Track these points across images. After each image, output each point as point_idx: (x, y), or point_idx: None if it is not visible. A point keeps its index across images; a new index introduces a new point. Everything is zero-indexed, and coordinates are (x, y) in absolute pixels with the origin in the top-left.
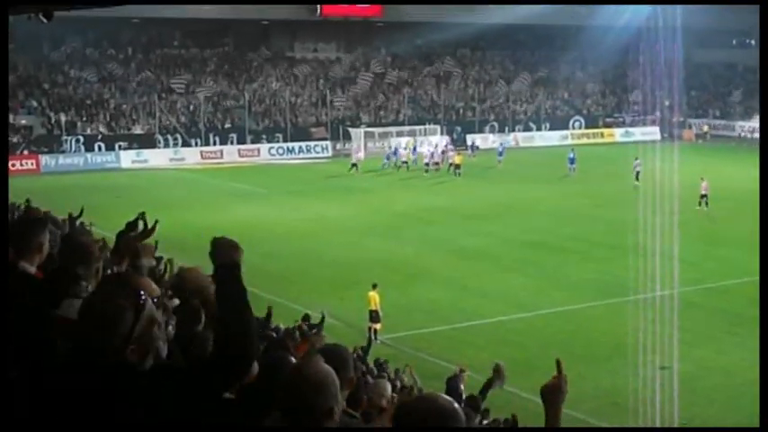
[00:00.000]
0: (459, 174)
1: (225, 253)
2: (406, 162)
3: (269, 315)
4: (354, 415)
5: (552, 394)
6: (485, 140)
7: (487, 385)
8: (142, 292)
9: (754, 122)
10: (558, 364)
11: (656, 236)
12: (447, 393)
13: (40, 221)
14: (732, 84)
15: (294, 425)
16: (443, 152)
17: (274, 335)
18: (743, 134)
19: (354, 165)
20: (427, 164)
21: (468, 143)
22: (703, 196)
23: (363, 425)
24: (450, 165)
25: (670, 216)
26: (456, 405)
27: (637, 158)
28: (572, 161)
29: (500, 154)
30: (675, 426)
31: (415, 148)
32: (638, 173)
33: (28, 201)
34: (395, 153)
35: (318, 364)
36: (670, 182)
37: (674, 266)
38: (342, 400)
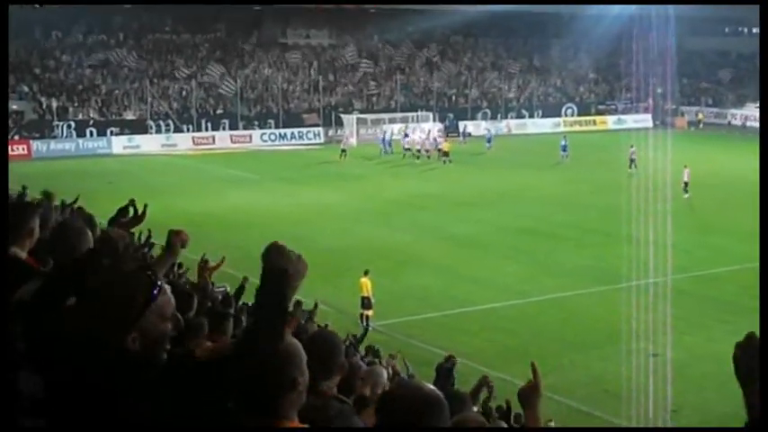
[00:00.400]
0: (450, 161)
1: (274, 259)
2: (409, 149)
3: (315, 306)
4: (345, 400)
5: (529, 396)
6: (477, 127)
7: (474, 392)
8: (160, 283)
9: (747, 110)
10: (534, 367)
11: (649, 223)
12: (438, 381)
13: (30, 206)
14: (724, 71)
15: (255, 394)
16: (435, 139)
17: None
18: (735, 122)
19: (343, 151)
20: (419, 150)
21: (461, 130)
22: (686, 184)
23: (355, 411)
24: (439, 151)
25: (663, 203)
26: (440, 393)
27: (632, 146)
28: (564, 148)
29: (489, 141)
30: (669, 413)
31: (406, 135)
32: (632, 160)
33: (24, 188)
34: (384, 140)
35: (291, 341)
36: (662, 169)
37: (666, 254)
38: (333, 385)
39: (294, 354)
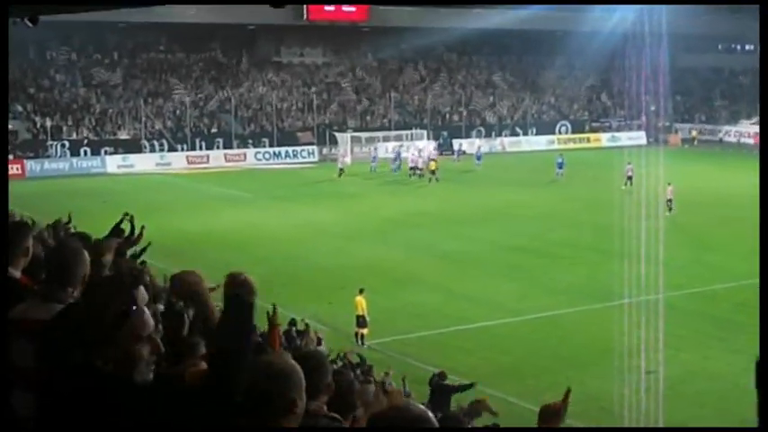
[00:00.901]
0: (437, 179)
1: (239, 287)
2: (415, 167)
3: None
4: (337, 418)
5: (551, 417)
6: (471, 145)
7: (468, 413)
8: (138, 302)
9: (740, 127)
10: (567, 394)
11: (642, 240)
12: (433, 400)
13: (25, 225)
14: (718, 88)
15: (253, 416)
16: (428, 157)
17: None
18: (728, 138)
19: (341, 170)
20: (412, 168)
21: (455, 148)
22: (669, 201)
23: (345, 428)
24: (426, 169)
25: (656, 220)
26: (429, 413)
27: (629, 163)
28: (560, 166)
29: (478, 158)
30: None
31: (399, 154)
32: (629, 177)
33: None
34: (375, 158)
35: (281, 356)
36: (656, 187)
37: (659, 271)
38: (321, 404)
39: (293, 376)
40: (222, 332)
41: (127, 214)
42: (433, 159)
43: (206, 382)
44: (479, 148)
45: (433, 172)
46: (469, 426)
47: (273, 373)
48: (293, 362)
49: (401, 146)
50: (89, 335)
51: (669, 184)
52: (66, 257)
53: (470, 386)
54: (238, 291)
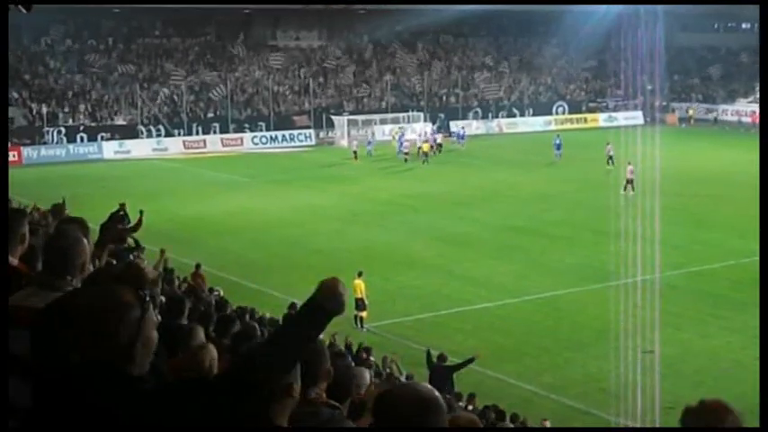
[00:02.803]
0: (428, 161)
1: (331, 299)
2: (425, 153)
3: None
4: (337, 406)
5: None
6: (468, 126)
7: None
8: (147, 291)
9: (737, 106)
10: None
11: (639, 220)
12: (432, 380)
13: (20, 212)
14: (714, 67)
15: (249, 399)
16: (434, 138)
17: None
18: (725, 117)
19: (355, 152)
20: (406, 153)
21: (456, 130)
22: (629, 181)
23: (346, 416)
24: (419, 150)
25: (652, 200)
26: (437, 393)
27: (608, 143)
28: (558, 147)
29: (461, 137)
30: (659, 411)
31: (401, 137)
32: (610, 157)
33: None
34: (371, 142)
35: None
36: (652, 166)
37: (656, 250)
38: (321, 391)
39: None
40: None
41: (123, 204)
42: (426, 141)
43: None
44: (462, 128)
45: (426, 153)
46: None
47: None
48: None
49: (402, 128)
50: (83, 326)
51: (629, 163)
52: (66, 245)
53: (471, 361)
54: (324, 298)
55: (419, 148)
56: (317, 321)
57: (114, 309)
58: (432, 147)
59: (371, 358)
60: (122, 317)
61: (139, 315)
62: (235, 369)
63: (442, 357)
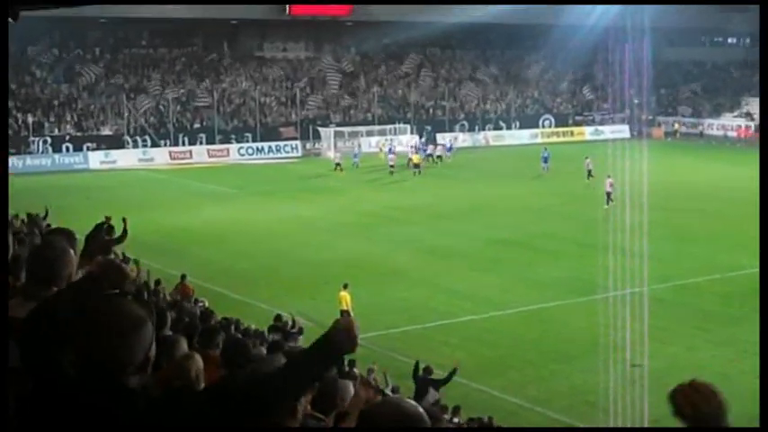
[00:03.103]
0: (420, 173)
1: (345, 339)
2: (416, 164)
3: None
4: (321, 417)
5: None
6: (455, 139)
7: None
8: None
9: (723, 120)
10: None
11: (626, 233)
12: (418, 393)
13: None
14: (701, 82)
15: (258, 424)
16: (423, 149)
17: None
18: (711, 132)
19: (338, 164)
20: (392, 165)
21: (441, 142)
22: (608, 194)
23: (331, 427)
24: (409, 161)
25: (639, 214)
26: (420, 409)
27: (587, 157)
28: (545, 160)
29: (449, 149)
30: (647, 425)
31: (390, 149)
32: (589, 171)
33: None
34: (357, 153)
35: (280, 361)
36: (639, 180)
37: (643, 264)
38: (306, 403)
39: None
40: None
41: (108, 218)
42: (416, 153)
43: (214, 386)
44: (451, 140)
45: (417, 165)
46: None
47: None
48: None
49: (389, 140)
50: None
51: (609, 176)
52: (53, 256)
53: (454, 372)
54: (339, 337)
55: (409, 159)
56: (329, 359)
57: (133, 325)
58: (427, 158)
59: (355, 370)
60: (141, 332)
61: (153, 330)
62: (237, 389)
63: (428, 370)
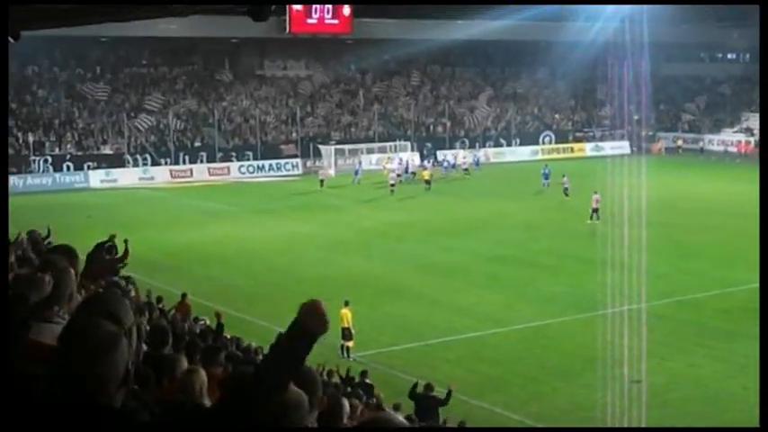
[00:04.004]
0: (430, 189)
1: (313, 320)
2: (427, 181)
3: (219, 325)
4: None
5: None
6: (455, 156)
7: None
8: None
9: (723, 136)
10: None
11: (625, 249)
12: (420, 411)
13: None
14: (700, 97)
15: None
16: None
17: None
18: (711, 147)
19: (322, 181)
20: (393, 184)
21: (443, 159)
22: (595, 210)
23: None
24: (412, 175)
25: (638, 230)
26: (408, 425)
27: (564, 175)
28: (546, 176)
29: (477, 163)
30: None
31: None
32: (565, 189)
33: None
34: (406, 170)
35: (292, 386)
36: (638, 195)
37: (642, 280)
38: (313, 419)
39: (304, 404)
40: (272, 360)
41: (113, 236)
42: (424, 169)
43: (218, 408)
44: (477, 156)
45: (428, 182)
46: None
47: (290, 405)
48: (298, 389)
49: (390, 158)
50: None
51: (595, 192)
52: (53, 276)
53: (449, 393)
54: (308, 321)
55: (412, 173)
56: (302, 344)
57: (105, 343)
58: (448, 169)
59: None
60: (113, 349)
61: (125, 346)
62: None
63: (429, 387)
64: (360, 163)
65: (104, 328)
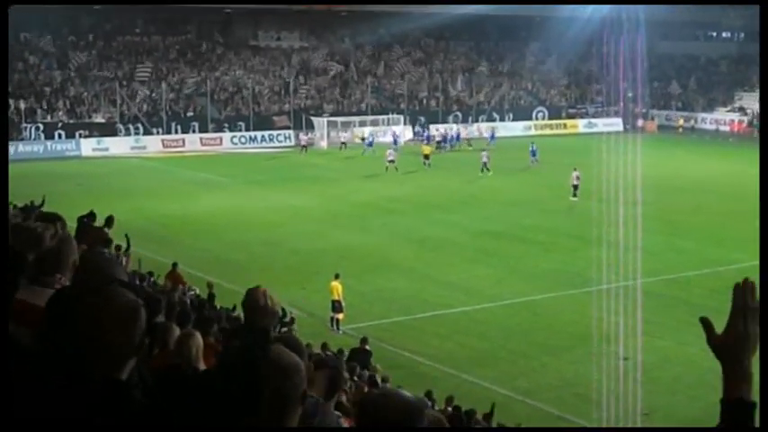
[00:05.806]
0: (429, 164)
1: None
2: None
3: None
4: (311, 395)
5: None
6: (449, 130)
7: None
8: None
9: (716, 114)
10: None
11: (618, 226)
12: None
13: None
14: (694, 76)
15: (273, 415)
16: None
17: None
18: (704, 126)
19: (304, 147)
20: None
21: (484, 133)
22: (575, 186)
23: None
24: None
25: (633, 207)
26: (418, 401)
27: (483, 150)
28: (533, 153)
29: (492, 138)
30: (638, 417)
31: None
32: (484, 164)
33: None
34: (366, 141)
35: (286, 351)
36: (632, 173)
37: (636, 257)
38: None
39: (301, 366)
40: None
41: (92, 212)
42: (425, 144)
43: (215, 377)
44: (494, 129)
45: (426, 156)
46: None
47: (287, 368)
48: (293, 354)
49: (393, 130)
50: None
51: (575, 169)
52: (58, 244)
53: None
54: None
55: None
56: (259, 338)
57: (129, 311)
58: (439, 146)
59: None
60: (137, 318)
61: (145, 315)
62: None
63: (364, 340)
64: (372, 134)
65: (127, 296)
